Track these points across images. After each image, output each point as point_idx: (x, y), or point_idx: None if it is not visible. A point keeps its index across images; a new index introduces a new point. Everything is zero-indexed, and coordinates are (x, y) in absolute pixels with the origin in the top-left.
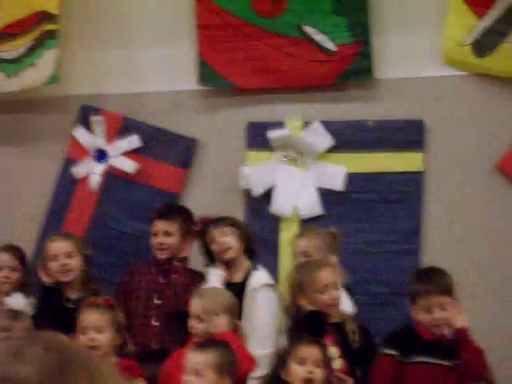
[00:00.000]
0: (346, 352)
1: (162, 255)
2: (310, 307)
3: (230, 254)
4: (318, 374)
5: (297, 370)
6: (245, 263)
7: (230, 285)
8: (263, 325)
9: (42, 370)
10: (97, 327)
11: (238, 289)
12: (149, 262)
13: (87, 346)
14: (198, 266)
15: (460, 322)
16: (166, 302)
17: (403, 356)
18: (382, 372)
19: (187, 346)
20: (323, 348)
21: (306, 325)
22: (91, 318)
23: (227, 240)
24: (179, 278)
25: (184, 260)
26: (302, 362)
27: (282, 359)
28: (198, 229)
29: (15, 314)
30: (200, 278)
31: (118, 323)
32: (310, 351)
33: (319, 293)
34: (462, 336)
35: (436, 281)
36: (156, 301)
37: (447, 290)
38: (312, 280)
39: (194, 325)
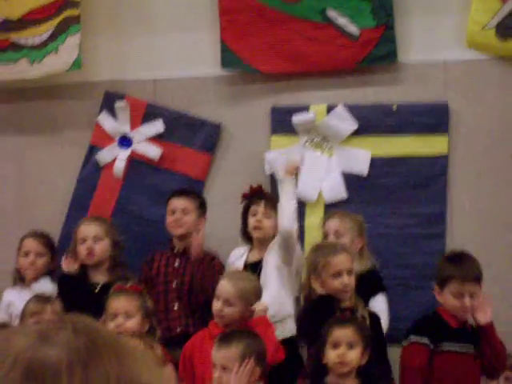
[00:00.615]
0: (360, 335)
1: (178, 231)
2: (321, 290)
3: (260, 234)
4: (351, 355)
5: (330, 354)
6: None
7: (254, 263)
8: None
9: (71, 353)
10: (125, 313)
11: (252, 268)
12: (164, 250)
13: (116, 331)
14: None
15: (484, 317)
16: (183, 285)
17: (433, 344)
18: (417, 361)
19: (208, 329)
20: (357, 326)
21: (315, 308)
22: (119, 303)
23: (265, 222)
24: (194, 260)
25: (198, 247)
26: (335, 345)
27: (321, 345)
28: (248, 193)
29: (45, 298)
30: (211, 259)
31: (146, 309)
32: (342, 333)
33: (332, 277)
34: (487, 332)
35: (471, 268)
36: (174, 285)
37: (479, 278)
38: (326, 264)
39: (222, 308)
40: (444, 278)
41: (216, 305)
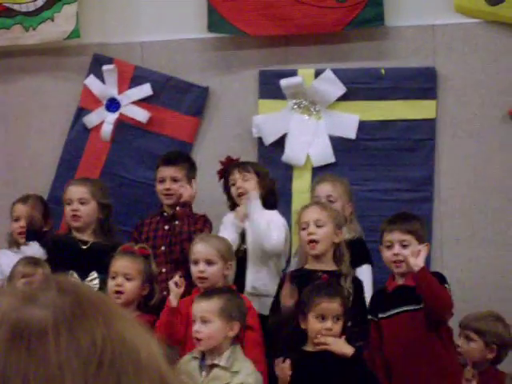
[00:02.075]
0: (345, 307)
1: (169, 201)
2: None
3: (245, 199)
4: (337, 327)
5: (316, 326)
6: None
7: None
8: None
9: (57, 313)
10: (125, 274)
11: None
12: (153, 213)
13: (113, 290)
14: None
15: (415, 262)
16: (172, 249)
17: (376, 316)
18: (371, 340)
19: (190, 296)
20: (343, 301)
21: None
22: (122, 263)
23: (246, 185)
24: (183, 225)
25: (186, 205)
26: (321, 317)
27: (302, 310)
28: (222, 168)
29: (36, 261)
30: (204, 221)
31: (148, 274)
32: (330, 307)
33: (301, 229)
34: (420, 276)
35: (402, 219)
36: (163, 249)
37: (411, 230)
38: (299, 217)
39: (204, 269)
40: (380, 235)
41: (196, 268)
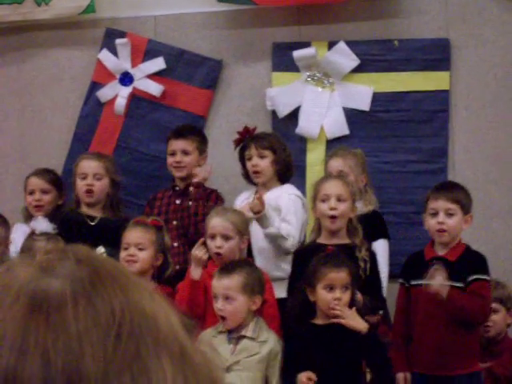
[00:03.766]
0: (352, 277)
1: (180, 173)
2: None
3: (261, 178)
4: (346, 297)
5: (325, 296)
6: (276, 186)
7: None
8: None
9: (75, 283)
10: (137, 244)
11: None
12: (165, 188)
13: (126, 260)
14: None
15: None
16: (183, 223)
17: (408, 281)
18: (397, 302)
19: (205, 269)
20: (351, 269)
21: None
22: (134, 234)
23: (262, 163)
24: (197, 206)
25: (199, 186)
26: (330, 287)
27: (310, 282)
28: (239, 138)
29: (48, 237)
30: (216, 197)
31: (161, 244)
32: (338, 277)
33: (320, 201)
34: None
35: (449, 187)
36: (174, 222)
37: (457, 199)
38: (317, 189)
39: (221, 244)
40: (425, 201)
41: (214, 243)
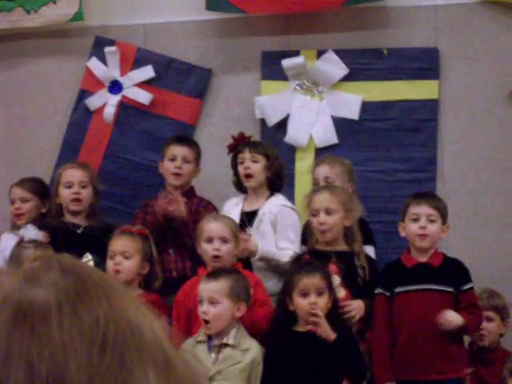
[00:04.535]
0: (351, 284)
1: (177, 181)
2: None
3: (252, 182)
4: (322, 302)
5: (301, 303)
6: (265, 194)
7: (251, 212)
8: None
9: (60, 293)
10: (123, 253)
11: (249, 218)
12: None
13: (113, 270)
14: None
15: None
16: (178, 230)
17: (390, 291)
18: (376, 313)
19: (197, 276)
20: (324, 274)
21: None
22: (120, 243)
23: (254, 167)
24: (187, 209)
25: (189, 193)
26: (304, 293)
27: (287, 292)
28: (233, 143)
29: (37, 244)
30: (213, 208)
31: (147, 253)
32: (311, 282)
33: (312, 215)
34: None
35: (428, 196)
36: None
37: (438, 207)
38: (307, 202)
39: (219, 247)
40: (404, 209)
41: (211, 246)
